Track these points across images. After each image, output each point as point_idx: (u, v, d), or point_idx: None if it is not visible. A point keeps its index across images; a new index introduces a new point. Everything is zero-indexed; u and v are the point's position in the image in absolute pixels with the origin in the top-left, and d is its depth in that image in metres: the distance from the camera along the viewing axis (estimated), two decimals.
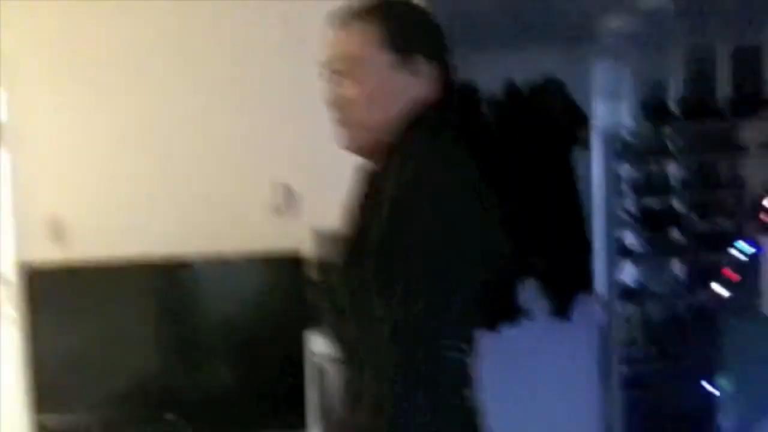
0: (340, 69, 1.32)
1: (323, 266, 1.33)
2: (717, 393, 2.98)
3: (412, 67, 1.31)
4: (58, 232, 2.73)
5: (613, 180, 4.17)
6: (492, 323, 4.22)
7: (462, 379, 1.25)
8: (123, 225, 2.71)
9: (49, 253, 2.65)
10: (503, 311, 4.22)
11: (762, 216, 2.38)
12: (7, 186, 2.82)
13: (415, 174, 1.19)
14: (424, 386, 1.14)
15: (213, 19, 2.68)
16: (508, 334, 4.18)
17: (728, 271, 2.67)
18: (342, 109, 1.33)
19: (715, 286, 2.84)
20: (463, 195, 1.22)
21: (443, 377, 1.18)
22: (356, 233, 1.24)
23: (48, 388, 2.49)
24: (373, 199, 1.23)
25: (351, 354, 1.27)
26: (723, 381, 2.92)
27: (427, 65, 1.32)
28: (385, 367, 1.14)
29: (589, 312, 4.35)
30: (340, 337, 1.31)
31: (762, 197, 2.73)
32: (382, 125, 1.30)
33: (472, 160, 1.27)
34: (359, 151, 1.34)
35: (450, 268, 1.18)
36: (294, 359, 2.37)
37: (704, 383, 2.87)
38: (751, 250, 2.46)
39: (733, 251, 2.58)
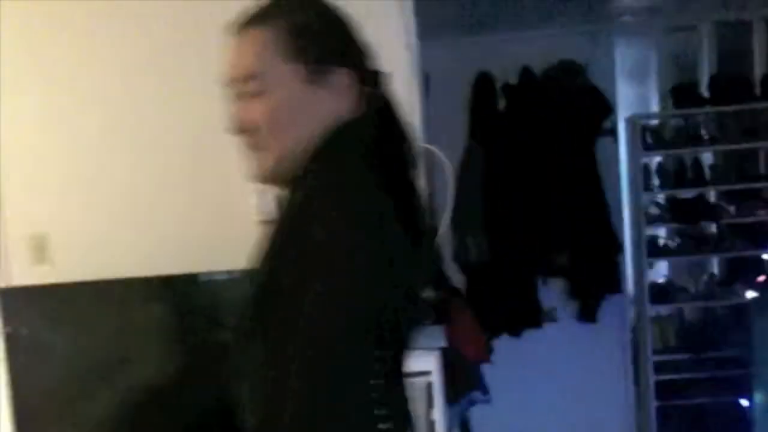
0: (241, 87, 1.18)
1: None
2: (752, 404, 2.99)
3: (326, 79, 1.17)
4: (41, 251, 2.81)
5: (641, 171, 4.10)
6: (513, 326, 4.25)
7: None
8: (108, 243, 2.78)
9: (32, 273, 2.73)
10: (524, 313, 4.25)
11: None
12: None
13: (317, 231, 1.05)
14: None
15: (203, 34, 2.73)
16: (531, 337, 4.20)
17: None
18: (247, 133, 1.19)
19: (746, 289, 2.85)
20: (371, 248, 1.07)
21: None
22: (262, 280, 1.14)
23: (31, 415, 2.53)
24: (281, 241, 1.12)
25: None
26: (759, 393, 2.93)
27: (345, 76, 1.18)
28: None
29: (618, 313, 4.35)
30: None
31: None
32: (292, 151, 1.17)
33: (385, 199, 1.12)
34: (272, 181, 1.21)
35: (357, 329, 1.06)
36: None
37: (739, 398, 2.87)
38: None
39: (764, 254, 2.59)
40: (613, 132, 4.16)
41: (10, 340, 2.53)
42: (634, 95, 4.47)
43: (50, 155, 2.80)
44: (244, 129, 1.19)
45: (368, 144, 1.18)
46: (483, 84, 4.08)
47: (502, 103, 4.12)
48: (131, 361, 2.55)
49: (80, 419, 2.54)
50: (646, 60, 4.46)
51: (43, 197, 2.77)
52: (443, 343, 2.63)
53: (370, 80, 1.22)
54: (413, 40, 2.89)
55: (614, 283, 4.25)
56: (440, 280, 3.15)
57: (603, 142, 4.12)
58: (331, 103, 1.18)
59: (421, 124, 3.05)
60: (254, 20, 1.19)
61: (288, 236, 1.10)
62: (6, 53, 2.78)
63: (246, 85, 1.17)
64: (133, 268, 2.60)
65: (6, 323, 2.52)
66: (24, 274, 2.70)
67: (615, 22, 4.15)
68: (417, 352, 2.46)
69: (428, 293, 2.91)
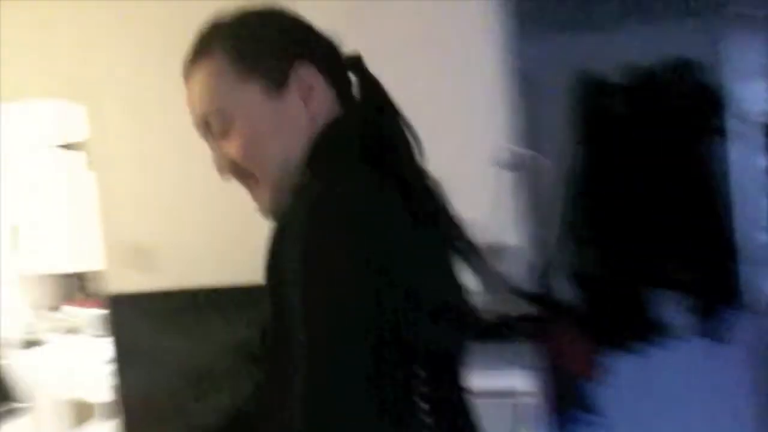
0: (208, 127, 1.13)
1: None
2: None
3: (287, 82, 1.10)
4: (143, 258, 2.91)
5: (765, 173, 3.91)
6: (627, 342, 4.07)
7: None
8: (207, 251, 2.84)
9: (135, 280, 2.83)
10: (640, 328, 4.05)
11: None
12: (95, 209, 3.03)
13: (316, 239, 0.97)
14: None
15: None
16: (651, 356, 3.99)
17: None
18: (236, 171, 1.13)
19: None
20: (369, 248, 0.98)
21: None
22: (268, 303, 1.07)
23: (137, 418, 2.64)
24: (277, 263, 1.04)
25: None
26: None
27: (305, 71, 1.10)
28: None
29: (748, 330, 4.09)
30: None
31: None
32: (282, 173, 1.10)
33: (387, 197, 1.03)
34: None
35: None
36: None
37: None
38: None
39: None
40: (728, 132, 3.93)
41: (117, 344, 2.62)
42: (754, 93, 4.21)
43: (153, 166, 2.89)
44: (229, 169, 1.14)
45: (357, 138, 1.10)
46: (588, 84, 3.95)
47: (610, 104, 3.96)
48: (234, 367, 2.58)
49: (185, 425, 2.59)
50: (762, 54, 4.19)
51: (146, 207, 2.87)
52: (537, 361, 2.53)
53: (340, 67, 1.15)
54: (506, 39, 2.80)
55: (741, 297, 3.99)
56: (538, 294, 3.04)
57: (720, 144, 3.89)
58: (304, 106, 1.11)
59: (521, 129, 2.96)
60: (197, 54, 1.13)
61: (286, 248, 1.02)
62: (113, 73, 2.89)
63: (212, 124, 1.12)
64: (235, 277, 2.64)
65: (114, 328, 2.61)
66: (129, 281, 2.80)
67: (732, 15, 3.91)
68: (505, 370, 2.38)
69: (527, 309, 2.81)
